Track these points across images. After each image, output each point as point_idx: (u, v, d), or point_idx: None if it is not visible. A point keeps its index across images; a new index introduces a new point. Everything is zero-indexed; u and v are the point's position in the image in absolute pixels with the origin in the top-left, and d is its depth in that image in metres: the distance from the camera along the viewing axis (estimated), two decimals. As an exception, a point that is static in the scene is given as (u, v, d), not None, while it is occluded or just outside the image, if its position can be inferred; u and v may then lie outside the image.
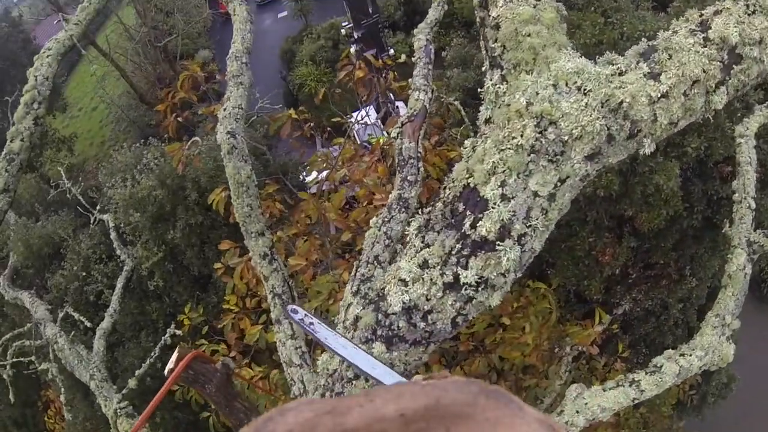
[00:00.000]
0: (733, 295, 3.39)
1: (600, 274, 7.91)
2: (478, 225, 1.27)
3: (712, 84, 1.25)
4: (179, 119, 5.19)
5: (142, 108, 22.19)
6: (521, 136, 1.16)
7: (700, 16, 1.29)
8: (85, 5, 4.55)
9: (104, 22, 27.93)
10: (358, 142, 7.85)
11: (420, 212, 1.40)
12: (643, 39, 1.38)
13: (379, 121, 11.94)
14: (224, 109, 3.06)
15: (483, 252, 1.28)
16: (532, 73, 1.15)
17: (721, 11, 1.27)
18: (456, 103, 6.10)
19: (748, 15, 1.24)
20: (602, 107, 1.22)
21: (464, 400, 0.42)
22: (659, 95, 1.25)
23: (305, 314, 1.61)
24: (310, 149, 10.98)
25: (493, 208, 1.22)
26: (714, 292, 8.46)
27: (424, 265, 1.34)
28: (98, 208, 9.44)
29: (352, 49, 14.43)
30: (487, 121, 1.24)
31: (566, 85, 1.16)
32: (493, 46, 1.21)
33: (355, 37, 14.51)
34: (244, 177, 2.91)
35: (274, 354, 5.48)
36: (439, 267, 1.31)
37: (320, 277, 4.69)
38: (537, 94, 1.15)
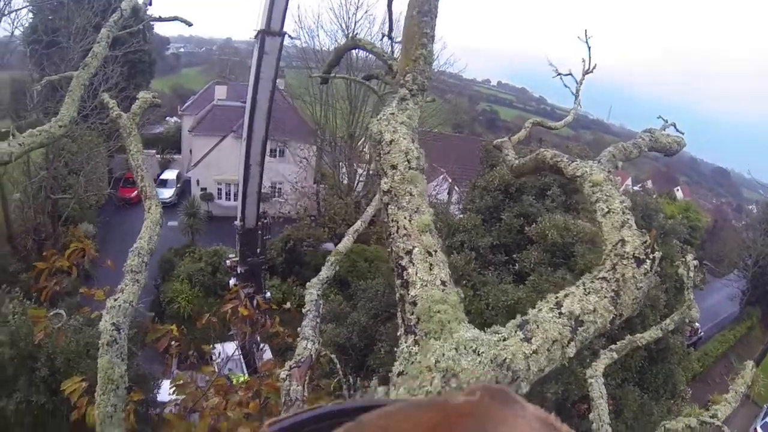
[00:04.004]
0: None
1: None
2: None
3: (566, 341, 1.69)
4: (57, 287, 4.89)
5: (5, 248, 19.90)
6: (431, 384, 1.44)
7: (556, 298, 1.78)
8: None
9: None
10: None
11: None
12: (518, 315, 1.83)
13: (242, 359, 12.00)
14: (114, 299, 2.94)
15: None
16: (439, 340, 1.52)
17: (568, 294, 1.78)
18: (332, 356, 6.39)
19: (586, 295, 1.76)
20: (492, 362, 1.56)
21: (469, 399, 0.44)
22: (531, 352, 1.65)
23: None
24: (162, 366, 9.84)
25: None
26: None
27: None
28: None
29: (231, 282, 14.58)
30: (400, 373, 1.54)
31: (465, 348, 1.51)
32: (410, 317, 1.58)
33: (238, 271, 14.62)
34: (116, 375, 2.73)
35: None
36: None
37: None
38: (443, 355, 1.48)
